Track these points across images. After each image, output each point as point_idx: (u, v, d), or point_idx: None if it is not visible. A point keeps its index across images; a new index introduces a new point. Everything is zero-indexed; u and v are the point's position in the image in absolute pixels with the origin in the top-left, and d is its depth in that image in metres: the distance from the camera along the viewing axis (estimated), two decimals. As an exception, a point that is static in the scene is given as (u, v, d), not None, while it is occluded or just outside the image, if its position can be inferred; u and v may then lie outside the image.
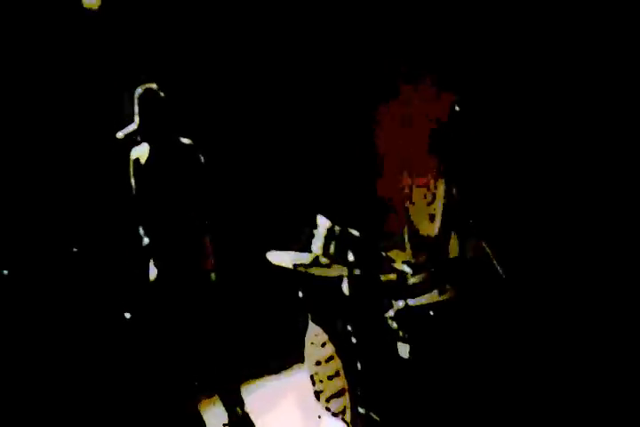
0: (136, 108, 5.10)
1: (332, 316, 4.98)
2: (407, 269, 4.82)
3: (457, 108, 5.16)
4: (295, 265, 4.77)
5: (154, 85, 5.15)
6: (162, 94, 5.14)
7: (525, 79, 5.73)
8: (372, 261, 4.74)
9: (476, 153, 5.22)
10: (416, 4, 6.41)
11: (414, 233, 6.04)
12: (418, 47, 6.46)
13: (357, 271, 4.73)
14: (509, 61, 5.82)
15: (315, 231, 4.82)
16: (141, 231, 5.36)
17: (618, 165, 5.38)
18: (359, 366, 4.62)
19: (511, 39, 5.80)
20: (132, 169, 5.32)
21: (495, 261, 4.76)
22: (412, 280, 4.87)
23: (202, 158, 5.25)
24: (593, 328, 5.11)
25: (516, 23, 5.78)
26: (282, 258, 4.91)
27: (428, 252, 5.09)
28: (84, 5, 6.72)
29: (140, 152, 5.30)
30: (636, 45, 5.29)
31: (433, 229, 5.27)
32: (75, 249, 6.27)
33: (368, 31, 6.74)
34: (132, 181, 5.32)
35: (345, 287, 4.79)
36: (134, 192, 5.32)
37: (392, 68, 6.68)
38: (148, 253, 5.32)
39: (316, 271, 4.81)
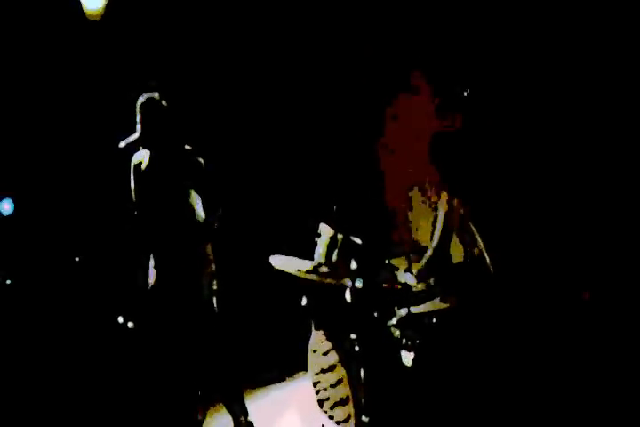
0: (138, 117, 5.11)
1: (336, 324, 4.98)
2: (410, 277, 4.82)
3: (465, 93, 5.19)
4: (298, 272, 4.77)
5: (155, 94, 5.15)
6: (164, 103, 5.15)
7: (521, 89, 5.76)
8: (375, 269, 4.74)
9: (475, 160, 5.22)
10: (418, 17, 6.44)
11: (417, 241, 6.04)
12: (420, 56, 6.48)
13: (360, 279, 4.73)
14: (508, 72, 5.84)
15: (317, 239, 4.82)
16: (143, 239, 5.36)
17: (614, 170, 5.40)
18: (362, 374, 4.61)
19: (509, 52, 5.83)
20: (132, 175, 5.32)
21: (490, 265, 4.76)
22: (414, 288, 4.86)
23: (204, 166, 5.25)
24: (594, 334, 5.10)
25: (512, 36, 5.81)
26: (284, 263, 4.90)
27: (430, 260, 5.08)
28: (87, 15, 6.74)
29: (141, 159, 5.31)
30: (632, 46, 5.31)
31: (435, 237, 5.26)
32: (77, 258, 6.28)
33: (373, 40, 6.76)
34: (132, 187, 5.32)
35: (348, 295, 4.79)
36: (134, 198, 5.32)
37: (395, 77, 6.70)
38: (150, 260, 5.31)
39: (318, 279, 4.80)
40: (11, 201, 6.68)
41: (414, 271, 4.86)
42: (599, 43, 5.49)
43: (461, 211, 4.97)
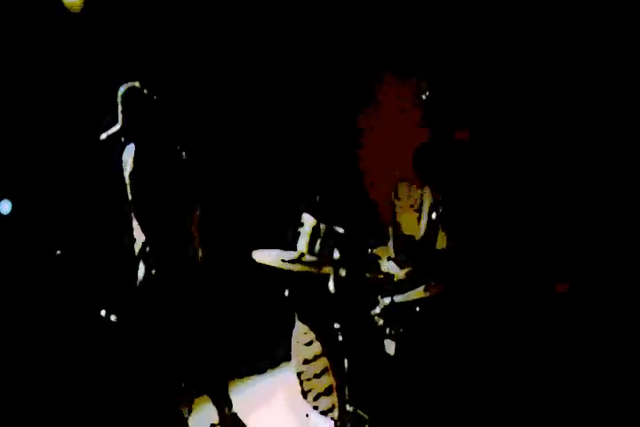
0: (120, 108, 5.09)
1: (319, 314, 4.98)
2: (393, 266, 4.83)
3: (426, 96, 5.20)
4: (280, 263, 4.77)
5: (137, 84, 5.13)
6: (146, 93, 5.12)
7: (503, 88, 5.78)
8: (358, 258, 4.74)
9: (459, 154, 5.24)
10: (401, 16, 6.44)
11: (400, 230, 6.05)
12: (403, 54, 6.49)
13: (343, 269, 4.73)
14: (490, 70, 5.86)
15: (300, 229, 4.82)
16: (134, 232, 5.35)
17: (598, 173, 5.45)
18: (346, 363, 4.61)
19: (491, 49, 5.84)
20: (124, 171, 5.32)
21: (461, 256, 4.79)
22: (397, 277, 4.87)
23: (187, 157, 5.24)
24: (576, 327, 5.13)
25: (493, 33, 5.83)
26: (267, 256, 4.90)
27: (413, 248, 5.09)
28: (66, 6, 6.70)
29: (129, 153, 5.30)
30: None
31: (419, 225, 5.27)
32: (58, 252, 6.26)
33: (353, 40, 6.77)
34: (127, 182, 5.32)
35: (331, 285, 4.80)
36: (129, 193, 5.31)
37: (377, 69, 6.71)
38: (138, 253, 5.29)
39: (301, 269, 4.81)
40: (9, 202, 6.67)
41: (397, 260, 4.87)
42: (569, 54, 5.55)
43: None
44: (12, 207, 6.62)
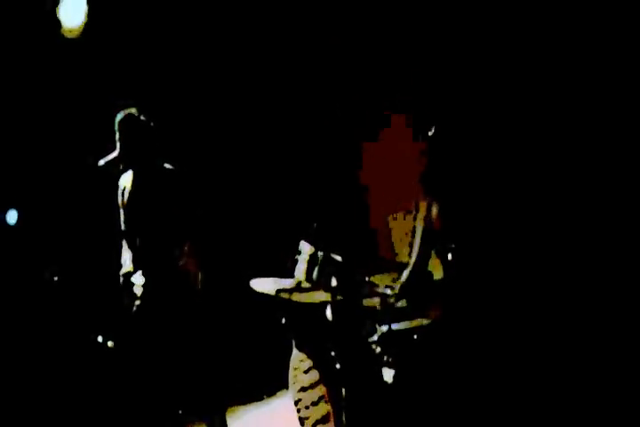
0: (117, 135, 5.11)
1: (316, 341, 4.96)
2: (390, 293, 4.82)
3: (431, 133, 5.20)
4: (278, 291, 4.76)
5: (134, 110, 5.15)
6: (142, 119, 5.14)
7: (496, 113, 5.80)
8: (355, 286, 4.73)
9: (454, 174, 5.24)
10: (399, 47, 6.48)
11: (398, 258, 6.04)
12: (399, 82, 6.51)
13: (340, 297, 4.72)
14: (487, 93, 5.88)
15: (298, 257, 4.82)
16: (128, 257, 5.34)
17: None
18: (344, 391, 4.59)
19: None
20: (119, 198, 5.32)
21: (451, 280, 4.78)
22: (395, 304, 4.85)
23: (185, 184, 5.25)
24: (576, 353, 5.11)
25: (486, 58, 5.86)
26: (265, 285, 4.89)
27: (410, 276, 5.08)
28: (64, 34, 6.74)
29: (126, 180, 5.30)
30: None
31: (413, 252, 5.26)
32: (55, 277, 6.26)
33: (354, 69, 6.80)
34: (121, 209, 5.32)
35: (328, 313, 4.78)
36: (123, 220, 5.31)
37: (377, 96, 6.73)
38: (134, 278, 5.29)
39: (298, 297, 4.80)
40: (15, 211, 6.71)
41: (395, 287, 4.86)
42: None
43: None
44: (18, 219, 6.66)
